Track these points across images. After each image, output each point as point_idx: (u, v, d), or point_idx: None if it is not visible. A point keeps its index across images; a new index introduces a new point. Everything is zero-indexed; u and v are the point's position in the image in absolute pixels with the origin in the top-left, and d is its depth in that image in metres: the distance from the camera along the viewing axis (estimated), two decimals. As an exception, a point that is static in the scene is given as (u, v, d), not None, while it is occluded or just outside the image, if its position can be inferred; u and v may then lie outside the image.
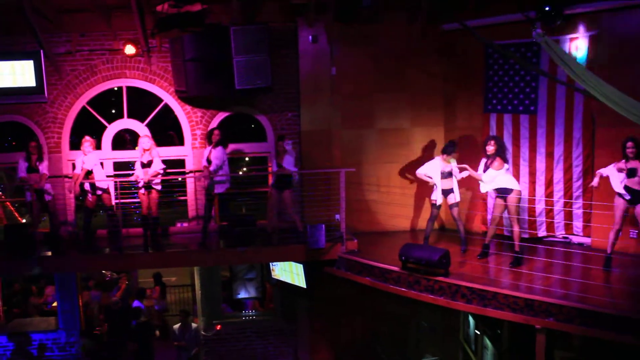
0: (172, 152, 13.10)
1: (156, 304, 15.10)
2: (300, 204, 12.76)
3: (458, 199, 11.54)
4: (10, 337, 13.04)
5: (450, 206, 11.59)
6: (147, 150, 11.87)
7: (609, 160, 10.17)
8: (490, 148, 10.70)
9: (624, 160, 9.85)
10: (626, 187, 9.88)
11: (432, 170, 11.48)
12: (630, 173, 9.81)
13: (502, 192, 10.76)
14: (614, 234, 10.11)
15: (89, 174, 11.81)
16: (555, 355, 9.98)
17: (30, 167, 11.62)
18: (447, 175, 11.45)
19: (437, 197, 11.47)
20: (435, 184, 11.42)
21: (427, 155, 12.92)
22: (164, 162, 12.11)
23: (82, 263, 11.96)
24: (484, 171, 10.86)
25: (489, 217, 12.07)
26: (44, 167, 11.71)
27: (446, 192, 11.50)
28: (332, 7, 12.14)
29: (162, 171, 11.94)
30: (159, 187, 12.00)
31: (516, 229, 10.74)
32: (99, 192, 11.89)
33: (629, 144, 9.77)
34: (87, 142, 11.80)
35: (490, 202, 11.73)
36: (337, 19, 12.44)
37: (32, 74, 12.27)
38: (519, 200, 10.81)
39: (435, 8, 12.13)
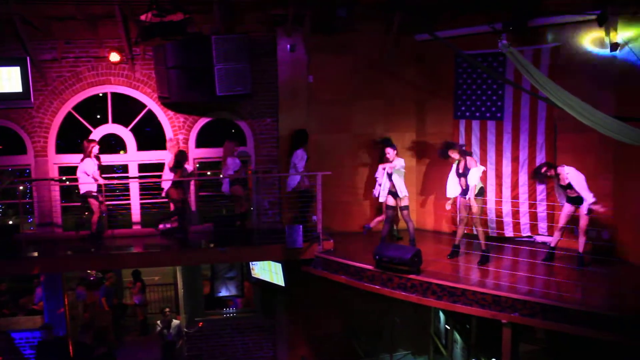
0: (154, 156, 13.23)
1: (136, 298, 15.23)
2: (279, 205, 13.06)
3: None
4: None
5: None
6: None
7: (569, 164, 10.52)
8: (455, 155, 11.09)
9: None
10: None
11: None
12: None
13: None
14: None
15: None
16: (520, 348, 10.31)
17: None
18: None
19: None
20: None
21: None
22: (147, 165, 12.38)
23: (68, 263, 12.05)
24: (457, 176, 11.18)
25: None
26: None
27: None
28: (309, 17, 12.37)
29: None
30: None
31: (480, 229, 11.08)
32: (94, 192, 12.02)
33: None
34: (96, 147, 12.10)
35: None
36: (314, 29, 12.63)
37: (19, 80, 12.37)
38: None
39: (408, 19, 12.39)
